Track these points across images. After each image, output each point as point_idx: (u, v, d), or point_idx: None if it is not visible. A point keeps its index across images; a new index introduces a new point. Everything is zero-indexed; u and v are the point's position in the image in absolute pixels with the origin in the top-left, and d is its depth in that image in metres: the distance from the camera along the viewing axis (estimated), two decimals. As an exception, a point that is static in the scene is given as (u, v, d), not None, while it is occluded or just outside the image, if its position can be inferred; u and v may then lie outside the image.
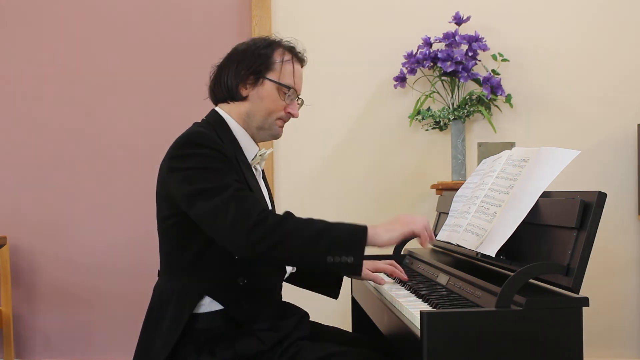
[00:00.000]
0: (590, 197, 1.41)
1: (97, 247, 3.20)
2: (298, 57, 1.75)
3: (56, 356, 3.20)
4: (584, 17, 3.04)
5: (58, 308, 3.20)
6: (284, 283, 1.86)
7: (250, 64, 1.67)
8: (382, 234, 1.53)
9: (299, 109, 1.77)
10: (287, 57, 1.72)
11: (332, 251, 1.46)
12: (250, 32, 3.12)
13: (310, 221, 1.51)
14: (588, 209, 1.40)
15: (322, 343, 1.69)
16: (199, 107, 3.18)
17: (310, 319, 1.80)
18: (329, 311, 2.59)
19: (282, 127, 1.75)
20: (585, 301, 1.34)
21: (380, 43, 3.09)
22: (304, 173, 3.09)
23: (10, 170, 3.21)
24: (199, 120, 1.76)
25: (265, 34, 3.03)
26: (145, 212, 3.16)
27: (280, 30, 3.07)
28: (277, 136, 1.77)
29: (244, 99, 1.69)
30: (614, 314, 3.04)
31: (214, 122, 1.71)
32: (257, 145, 1.77)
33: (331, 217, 3.09)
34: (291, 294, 2.02)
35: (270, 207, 1.79)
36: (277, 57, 1.70)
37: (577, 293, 1.36)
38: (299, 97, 1.77)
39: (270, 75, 1.69)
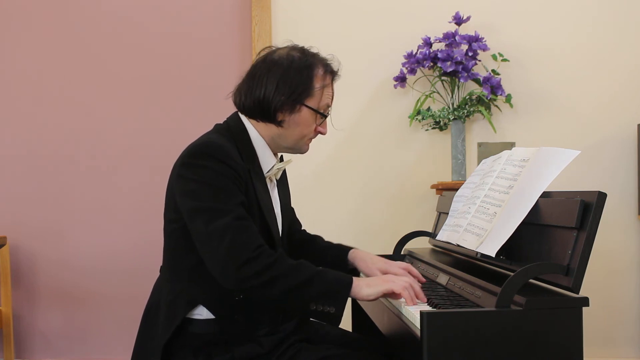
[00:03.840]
0: (590, 197, 1.41)
1: (97, 247, 3.20)
2: (335, 77, 1.72)
3: (56, 356, 3.20)
4: (584, 17, 3.04)
5: (58, 308, 3.20)
6: None
7: (291, 90, 1.61)
8: (364, 287, 1.53)
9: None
10: (327, 81, 1.68)
11: (316, 300, 1.48)
12: (250, 32, 3.12)
13: (300, 266, 1.51)
14: (588, 209, 1.40)
15: (321, 345, 1.69)
16: (200, 107, 3.21)
17: (311, 319, 1.79)
18: (329, 311, 2.58)
19: (309, 144, 1.74)
20: (585, 301, 1.34)
21: (380, 43, 3.09)
22: (304, 173, 3.08)
23: (10, 170, 3.20)
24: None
25: (265, 34, 3.07)
26: (146, 213, 3.17)
27: (280, 31, 3.07)
28: (303, 152, 1.75)
29: (278, 123, 1.65)
30: (614, 314, 3.04)
31: (235, 130, 1.67)
32: (275, 156, 1.75)
33: (331, 217, 3.11)
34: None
35: (280, 219, 1.76)
36: (317, 82, 1.65)
37: (577, 293, 1.36)
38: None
39: (309, 102, 1.65)
